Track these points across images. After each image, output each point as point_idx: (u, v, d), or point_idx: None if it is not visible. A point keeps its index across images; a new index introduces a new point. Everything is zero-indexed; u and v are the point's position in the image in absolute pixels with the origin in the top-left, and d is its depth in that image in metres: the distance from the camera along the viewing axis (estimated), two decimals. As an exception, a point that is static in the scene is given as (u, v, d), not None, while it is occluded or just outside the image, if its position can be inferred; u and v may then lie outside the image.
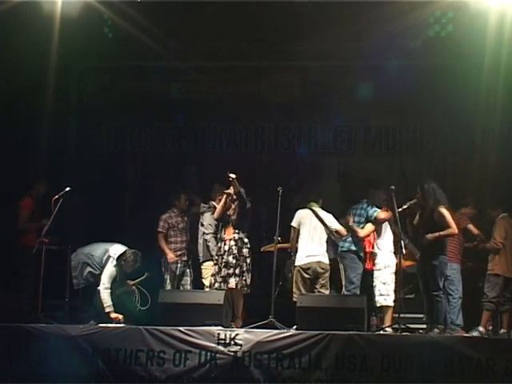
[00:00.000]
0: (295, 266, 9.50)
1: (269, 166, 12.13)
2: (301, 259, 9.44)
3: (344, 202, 10.52)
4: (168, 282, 10.03)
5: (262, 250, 9.25)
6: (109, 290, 9.23)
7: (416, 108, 11.64)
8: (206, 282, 9.77)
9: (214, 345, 7.99)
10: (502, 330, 9.32)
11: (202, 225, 10.19)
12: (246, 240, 9.28)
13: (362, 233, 9.53)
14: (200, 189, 11.07)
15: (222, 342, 7.98)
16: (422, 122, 11.81)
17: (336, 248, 9.66)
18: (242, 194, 9.28)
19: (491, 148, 11.35)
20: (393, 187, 9.10)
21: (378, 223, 9.57)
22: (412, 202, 9.10)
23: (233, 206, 9.38)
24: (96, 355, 8.08)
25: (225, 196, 9.40)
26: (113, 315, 9.11)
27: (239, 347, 7.95)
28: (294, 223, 9.60)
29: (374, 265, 9.54)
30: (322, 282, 9.37)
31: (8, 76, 10.44)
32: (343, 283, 9.54)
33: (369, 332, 8.51)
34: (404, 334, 8.38)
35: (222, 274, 9.12)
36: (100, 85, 12.26)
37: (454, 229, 8.87)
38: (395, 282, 9.36)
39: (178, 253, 10.10)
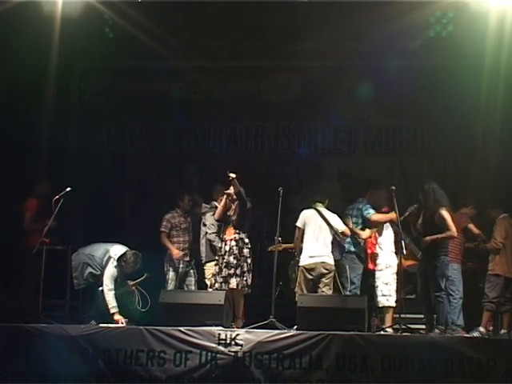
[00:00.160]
0: (299, 267, 9.46)
1: (269, 166, 12.12)
2: (305, 259, 9.38)
3: (344, 203, 10.51)
4: (170, 281, 10.04)
5: (269, 250, 9.22)
6: (113, 292, 9.23)
7: (416, 108, 11.65)
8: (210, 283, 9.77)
9: (214, 345, 7.98)
10: (503, 331, 9.34)
11: (205, 225, 10.19)
12: (246, 240, 9.27)
13: (363, 235, 9.55)
14: (200, 189, 11.08)
15: (223, 342, 7.98)
16: (423, 122, 11.82)
17: (341, 249, 9.64)
18: (242, 194, 9.28)
19: (492, 149, 11.35)
20: (393, 187, 9.11)
21: (372, 224, 9.58)
22: (413, 208, 9.13)
23: (233, 207, 9.38)
24: (96, 355, 8.07)
25: (225, 196, 9.39)
26: (116, 317, 9.10)
27: (240, 347, 7.95)
28: (298, 223, 9.54)
29: (375, 265, 9.54)
30: (326, 281, 9.30)
31: (8, 76, 10.43)
32: (343, 283, 9.56)
33: (369, 332, 8.53)
34: (404, 334, 8.38)
35: (223, 274, 9.11)
36: (100, 85, 12.27)
37: (452, 232, 8.88)
38: (396, 283, 9.36)
39: (181, 253, 10.11)
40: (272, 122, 12.22)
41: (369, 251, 9.65)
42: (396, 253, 9.41)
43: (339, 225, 9.52)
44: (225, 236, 9.35)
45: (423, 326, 8.96)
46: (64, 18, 10.22)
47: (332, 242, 9.48)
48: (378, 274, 9.48)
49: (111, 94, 12.24)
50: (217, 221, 9.72)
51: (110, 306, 9.16)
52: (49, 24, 10.29)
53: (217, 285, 9.12)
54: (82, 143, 12.22)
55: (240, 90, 12.16)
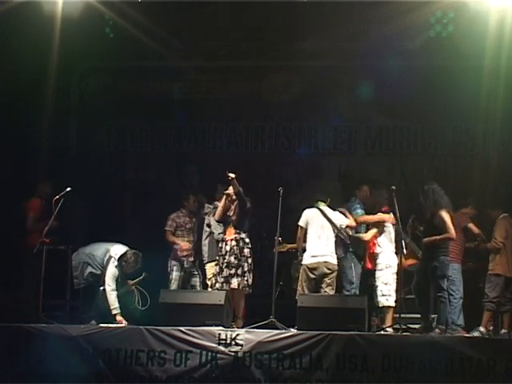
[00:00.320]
0: (301, 265, 9.41)
1: (269, 166, 12.12)
2: (308, 259, 9.33)
3: (344, 203, 10.51)
4: (173, 281, 10.04)
5: (274, 250, 9.22)
6: (115, 292, 9.24)
7: (416, 109, 11.66)
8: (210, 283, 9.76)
9: (214, 345, 7.98)
10: (503, 330, 9.33)
11: (209, 226, 10.17)
12: (247, 240, 9.25)
13: (366, 237, 9.55)
14: (201, 189, 11.07)
15: (223, 342, 7.98)
16: (423, 122, 11.82)
17: (345, 247, 9.65)
18: (242, 194, 9.27)
19: (492, 149, 11.35)
20: (393, 187, 9.12)
21: (358, 224, 9.67)
22: (410, 221, 9.46)
23: (232, 207, 9.37)
24: (97, 355, 8.07)
25: (224, 197, 9.39)
26: (118, 318, 9.11)
27: (240, 347, 7.95)
28: (301, 222, 9.49)
29: (375, 265, 9.54)
30: (328, 281, 9.25)
31: (9, 76, 10.44)
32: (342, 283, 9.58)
33: (369, 332, 8.52)
34: (405, 334, 8.38)
35: (224, 274, 9.09)
36: (101, 85, 12.28)
37: (451, 234, 8.88)
38: (396, 282, 9.36)
39: (185, 253, 10.12)
40: (272, 122, 12.22)
41: (370, 251, 9.64)
42: (396, 252, 9.41)
43: (342, 220, 9.51)
44: (225, 236, 9.34)
45: (433, 326, 8.96)
46: (64, 18, 10.24)
47: (335, 241, 9.46)
48: (377, 273, 9.47)
49: (112, 94, 12.25)
50: (217, 221, 9.72)
51: (112, 307, 9.16)
52: (49, 24, 10.31)
53: (218, 285, 9.10)
54: (83, 143, 12.23)
55: (240, 89, 12.17)
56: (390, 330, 8.84)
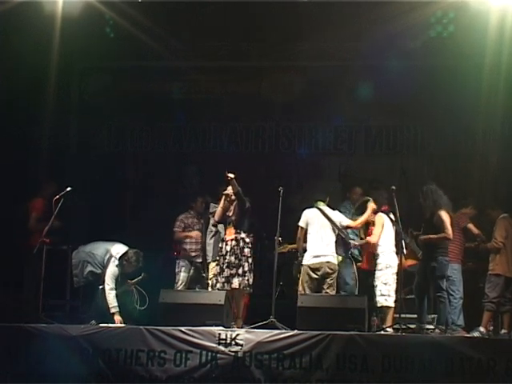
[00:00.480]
0: (302, 265, 9.40)
1: (269, 166, 12.11)
2: (310, 259, 9.30)
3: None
4: (180, 282, 10.03)
5: (274, 251, 9.21)
6: (114, 291, 9.23)
7: (417, 108, 11.66)
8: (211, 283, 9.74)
9: (214, 345, 7.98)
10: (503, 331, 9.33)
11: (215, 225, 10.15)
12: (247, 240, 9.24)
13: (373, 240, 9.42)
14: (201, 189, 11.06)
15: (223, 342, 7.97)
16: (423, 122, 11.83)
17: (346, 246, 9.64)
18: (241, 194, 9.26)
19: (492, 149, 11.35)
20: (393, 187, 9.11)
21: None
22: (409, 234, 9.48)
23: (232, 207, 9.36)
24: (97, 355, 8.06)
25: (223, 197, 9.38)
26: (116, 317, 9.10)
27: (240, 347, 7.94)
28: (301, 223, 9.46)
29: (375, 265, 9.53)
30: (330, 282, 9.25)
31: (9, 75, 10.44)
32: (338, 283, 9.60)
33: (370, 332, 8.51)
34: (405, 334, 8.38)
35: (225, 274, 9.08)
36: (101, 85, 12.28)
37: (448, 234, 8.89)
38: (396, 283, 9.35)
39: (193, 254, 10.13)
40: (272, 122, 12.23)
41: (370, 251, 9.63)
42: (397, 253, 9.40)
43: (343, 220, 9.51)
44: (225, 236, 9.33)
45: (426, 326, 8.96)
46: (64, 18, 10.24)
47: (336, 241, 9.45)
48: (377, 273, 9.46)
49: (111, 93, 12.25)
50: (217, 221, 9.71)
51: (110, 306, 9.16)
52: (49, 24, 10.31)
53: (218, 285, 9.09)
54: (83, 143, 12.24)
55: (240, 90, 12.17)
56: (390, 330, 8.84)
